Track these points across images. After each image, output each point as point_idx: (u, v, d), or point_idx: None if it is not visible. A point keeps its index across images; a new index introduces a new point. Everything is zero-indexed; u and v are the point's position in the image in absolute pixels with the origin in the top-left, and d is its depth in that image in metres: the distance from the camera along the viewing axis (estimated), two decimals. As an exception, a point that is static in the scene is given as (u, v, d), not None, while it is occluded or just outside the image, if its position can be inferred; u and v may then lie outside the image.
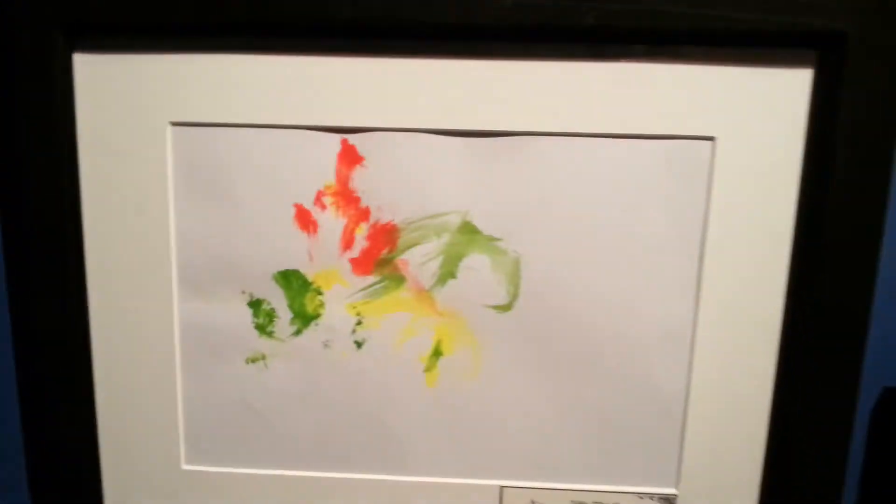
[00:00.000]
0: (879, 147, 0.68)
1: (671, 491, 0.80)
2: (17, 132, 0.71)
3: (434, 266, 0.76)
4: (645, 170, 0.72)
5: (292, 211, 0.75)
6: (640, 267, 0.74)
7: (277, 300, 0.77)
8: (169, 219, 0.75)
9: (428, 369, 0.78)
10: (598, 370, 0.77)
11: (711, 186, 0.72)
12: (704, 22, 0.66)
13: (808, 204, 0.71)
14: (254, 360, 0.79)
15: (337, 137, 0.73)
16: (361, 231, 0.75)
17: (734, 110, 0.70)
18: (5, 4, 0.69)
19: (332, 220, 0.75)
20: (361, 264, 0.76)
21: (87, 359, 0.78)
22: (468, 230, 0.74)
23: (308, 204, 0.75)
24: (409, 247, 0.75)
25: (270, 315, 0.78)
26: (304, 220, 0.75)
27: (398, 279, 0.76)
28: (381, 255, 0.76)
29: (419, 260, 0.75)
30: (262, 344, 0.78)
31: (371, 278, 0.76)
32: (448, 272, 0.75)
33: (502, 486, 0.81)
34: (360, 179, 0.74)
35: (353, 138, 0.73)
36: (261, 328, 0.78)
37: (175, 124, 0.73)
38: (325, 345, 0.78)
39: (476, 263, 0.75)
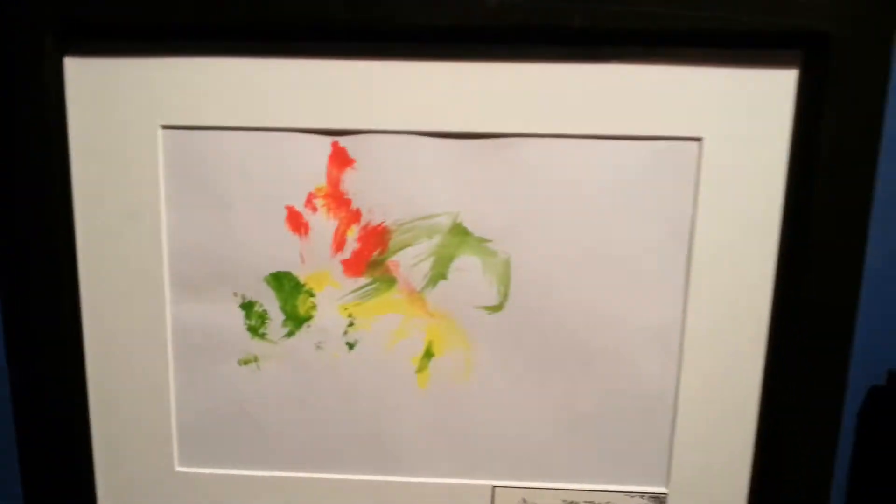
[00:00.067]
0: (864, 146, 0.68)
1: (661, 490, 0.80)
2: (8, 136, 0.71)
3: (425, 267, 0.76)
4: (633, 170, 0.72)
5: (284, 213, 0.75)
6: (629, 267, 0.75)
7: (269, 302, 0.77)
8: (161, 221, 0.75)
9: (420, 370, 0.78)
10: (589, 370, 0.77)
11: (699, 186, 0.72)
12: (691, 24, 0.66)
13: (795, 203, 0.71)
14: (246, 362, 0.79)
15: (328, 140, 0.73)
16: (353, 233, 0.75)
17: (721, 111, 0.71)
18: (-4, 8, 0.69)
19: (323, 222, 0.75)
20: (353, 266, 0.76)
21: (80, 361, 0.78)
22: (459, 232, 0.75)
23: (299, 206, 0.75)
24: (401, 248, 0.75)
25: (263, 317, 0.78)
26: (296, 222, 0.75)
27: (389, 281, 0.76)
28: (372, 256, 0.76)
29: (410, 261, 0.76)
30: (254, 345, 0.79)
31: (363, 280, 0.77)
32: (439, 273, 0.76)
33: (494, 486, 0.81)
34: (350, 181, 0.74)
35: (343, 140, 0.73)
36: (253, 330, 0.78)
37: (166, 127, 0.74)
38: (318, 346, 0.78)
39: (467, 265, 0.76)
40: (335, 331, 0.78)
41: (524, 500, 0.81)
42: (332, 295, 0.77)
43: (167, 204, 0.75)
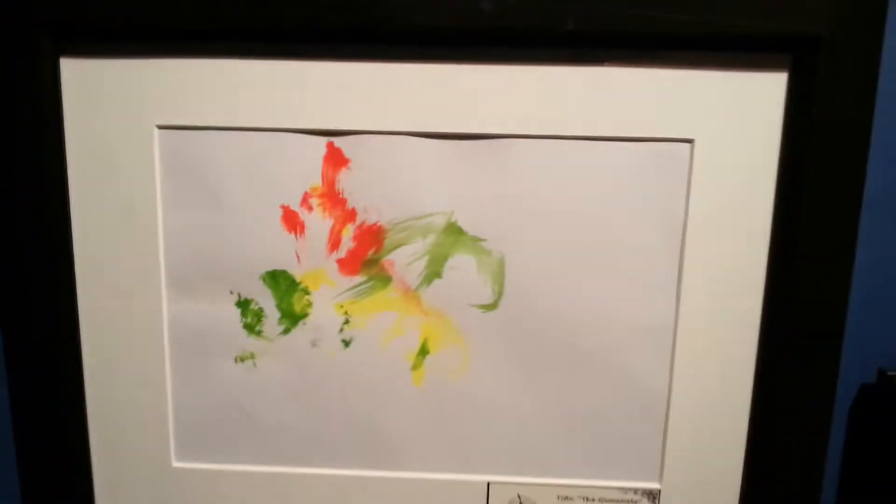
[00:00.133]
0: (853, 148, 0.69)
1: (654, 485, 0.81)
2: (5, 136, 0.72)
3: (420, 266, 0.76)
4: (625, 171, 0.73)
5: (279, 212, 0.75)
6: (622, 266, 0.75)
7: (265, 300, 0.78)
8: (157, 220, 0.76)
9: (415, 367, 0.79)
10: (582, 367, 0.78)
11: (690, 187, 0.72)
12: (682, 27, 0.66)
13: (786, 203, 0.72)
14: (243, 359, 0.79)
15: (322, 140, 0.73)
16: (348, 232, 0.76)
17: (712, 113, 0.71)
18: (-8, 10, 0.69)
19: (318, 222, 0.76)
20: (348, 264, 0.77)
21: (77, 358, 0.78)
22: (453, 231, 0.75)
23: (295, 205, 0.75)
24: (395, 247, 0.76)
25: (259, 315, 0.78)
26: (291, 221, 0.76)
27: (385, 279, 0.77)
28: (367, 255, 0.76)
29: (405, 260, 0.76)
30: (250, 343, 0.79)
31: (358, 278, 0.77)
32: (434, 272, 0.76)
33: (489, 482, 0.81)
34: (346, 181, 0.74)
35: (338, 141, 0.73)
36: (249, 328, 0.79)
37: (162, 127, 0.74)
38: (313, 344, 0.79)
39: (461, 263, 0.76)
40: (331, 328, 0.78)
41: (519, 496, 0.81)
42: (328, 293, 0.77)
43: (163, 203, 0.76)
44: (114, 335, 0.78)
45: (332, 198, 0.75)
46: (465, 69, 0.71)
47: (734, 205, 0.73)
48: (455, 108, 0.72)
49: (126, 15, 0.69)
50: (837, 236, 0.70)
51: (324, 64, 0.71)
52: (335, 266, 0.77)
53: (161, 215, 0.76)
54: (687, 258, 0.74)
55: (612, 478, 0.81)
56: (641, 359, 0.77)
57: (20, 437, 0.80)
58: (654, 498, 0.81)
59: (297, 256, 0.76)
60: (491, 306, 0.77)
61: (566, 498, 0.81)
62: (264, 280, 0.77)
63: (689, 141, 0.72)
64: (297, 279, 0.77)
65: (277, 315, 0.78)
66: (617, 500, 0.81)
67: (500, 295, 0.76)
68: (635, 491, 0.81)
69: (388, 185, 0.74)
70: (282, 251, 0.76)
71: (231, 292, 0.78)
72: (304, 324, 0.78)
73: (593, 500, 0.81)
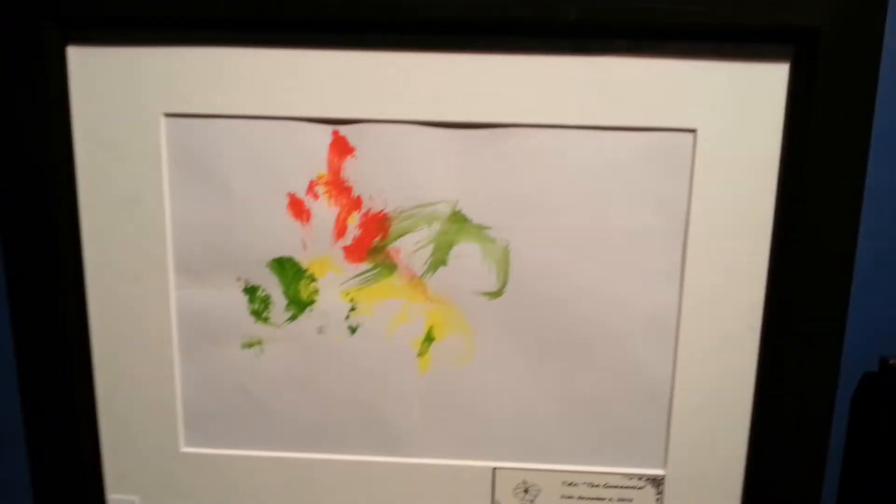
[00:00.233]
0: (855, 138, 0.69)
1: (659, 472, 0.81)
2: (12, 125, 0.72)
3: (425, 254, 0.77)
4: (629, 160, 0.73)
5: (286, 200, 0.76)
6: (626, 254, 0.75)
7: (272, 287, 0.78)
8: (164, 208, 0.76)
9: (420, 354, 0.79)
10: (587, 355, 0.78)
11: (693, 177, 0.73)
12: (685, 18, 0.66)
13: (788, 192, 0.72)
14: (250, 346, 0.80)
15: (328, 128, 0.74)
16: (354, 220, 0.76)
17: (715, 103, 0.71)
18: (-1, -1, 0.70)
19: (324, 209, 0.76)
20: (354, 252, 0.77)
21: (86, 345, 0.79)
22: (458, 219, 0.75)
23: (301, 193, 0.76)
24: (401, 235, 0.76)
25: (266, 301, 0.79)
26: (298, 209, 0.76)
27: (390, 266, 0.77)
28: (373, 243, 0.77)
29: (411, 248, 0.77)
30: (257, 329, 0.80)
31: (364, 266, 0.77)
32: (439, 260, 0.77)
33: (495, 468, 0.82)
34: (351, 169, 0.75)
35: (344, 129, 0.74)
36: (256, 314, 0.79)
37: (169, 115, 0.74)
38: (320, 330, 0.79)
39: (466, 251, 0.76)
40: (337, 315, 0.79)
41: (524, 482, 0.82)
42: (334, 280, 0.78)
43: (170, 191, 0.76)
44: (122, 322, 0.79)
45: (338, 186, 0.75)
46: (470, 58, 0.71)
47: (737, 194, 0.73)
48: (460, 98, 0.72)
49: (133, 3, 0.69)
50: (839, 225, 0.70)
51: (329, 53, 0.72)
52: (341, 253, 0.77)
53: (168, 203, 0.76)
54: (690, 247, 0.74)
55: (617, 464, 0.81)
56: (645, 346, 0.78)
57: (30, 423, 0.81)
58: (659, 484, 0.81)
59: (304, 244, 0.77)
60: (496, 294, 0.77)
61: (571, 484, 0.82)
62: (271, 267, 0.78)
63: (692, 131, 0.72)
64: (304, 266, 0.78)
65: (284, 302, 0.79)
66: (621, 486, 0.81)
67: (504, 282, 0.77)
68: (640, 477, 0.81)
69: (394, 173, 0.75)
70: (288, 238, 0.77)
71: (238, 279, 0.78)
72: (311, 310, 0.79)
73: (598, 485, 0.81)
